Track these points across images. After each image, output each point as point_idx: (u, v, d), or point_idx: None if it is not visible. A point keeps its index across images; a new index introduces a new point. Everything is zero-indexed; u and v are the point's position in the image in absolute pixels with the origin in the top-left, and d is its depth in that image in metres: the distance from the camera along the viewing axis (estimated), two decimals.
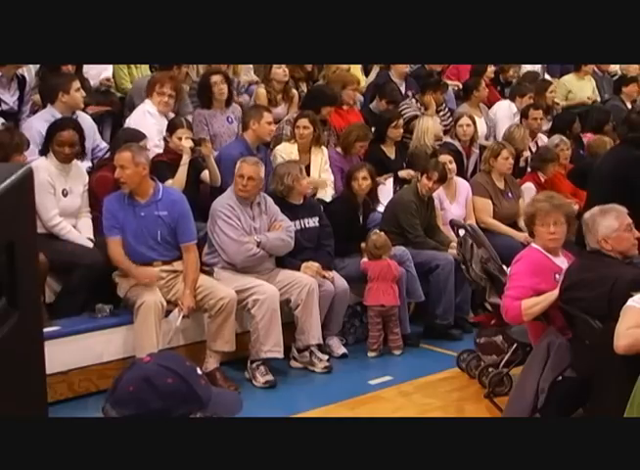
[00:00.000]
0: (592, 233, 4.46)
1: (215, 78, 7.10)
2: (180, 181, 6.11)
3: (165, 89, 6.67)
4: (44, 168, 5.61)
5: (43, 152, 5.80)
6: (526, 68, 10.23)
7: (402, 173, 7.52)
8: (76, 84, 6.30)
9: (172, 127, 6.36)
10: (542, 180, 7.81)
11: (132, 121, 6.62)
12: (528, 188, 7.67)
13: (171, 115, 6.81)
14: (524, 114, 8.63)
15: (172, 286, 5.67)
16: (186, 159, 6.17)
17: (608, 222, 4.43)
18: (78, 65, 6.80)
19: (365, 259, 6.41)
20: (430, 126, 7.83)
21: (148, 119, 6.60)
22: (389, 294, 6.28)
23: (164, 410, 1.92)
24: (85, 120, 6.48)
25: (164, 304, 5.47)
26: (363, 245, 6.51)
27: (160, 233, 5.66)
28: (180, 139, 6.25)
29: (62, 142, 5.75)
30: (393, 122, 7.55)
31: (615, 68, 10.92)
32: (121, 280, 5.64)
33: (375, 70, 9.12)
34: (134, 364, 2.00)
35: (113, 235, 5.59)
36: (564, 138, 8.32)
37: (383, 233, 6.46)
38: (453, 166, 7.27)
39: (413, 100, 8.49)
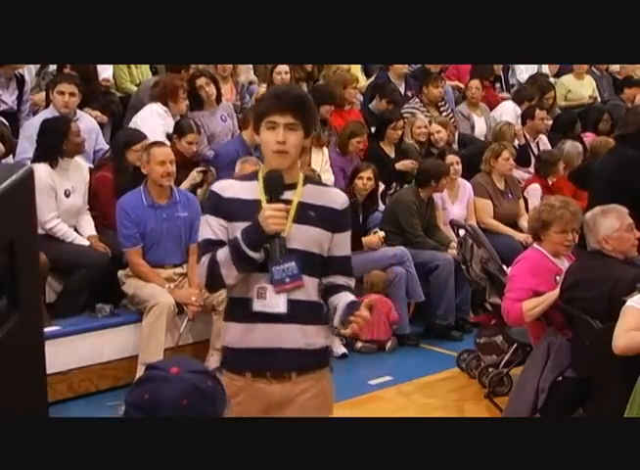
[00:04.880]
0: (593, 233, 4.46)
1: (200, 82, 7.12)
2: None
3: (181, 93, 6.81)
4: (45, 171, 5.60)
5: (40, 154, 5.77)
6: (520, 68, 10.28)
7: (399, 165, 7.53)
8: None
9: (182, 130, 6.38)
10: (550, 183, 7.79)
11: (139, 120, 6.61)
12: (535, 189, 7.65)
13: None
14: (529, 114, 8.59)
15: (181, 288, 5.67)
16: (187, 186, 6.18)
17: (609, 222, 4.42)
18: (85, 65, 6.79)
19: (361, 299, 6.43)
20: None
21: (156, 120, 6.60)
22: (382, 329, 6.35)
23: (216, 413, 1.94)
24: (88, 122, 6.49)
25: (176, 306, 5.47)
26: (364, 239, 6.57)
27: (181, 235, 5.65)
28: (190, 144, 6.29)
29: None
30: (393, 124, 7.56)
31: (615, 67, 10.91)
32: (129, 279, 5.64)
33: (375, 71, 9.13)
34: (167, 379, 1.92)
35: (134, 245, 5.55)
36: (578, 144, 8.29)
37: (380, 272, 6.47)
38: (459, 168, 7.27)
39: (416, 100, 8.50)
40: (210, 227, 2.97)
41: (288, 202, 2.94)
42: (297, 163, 3.04)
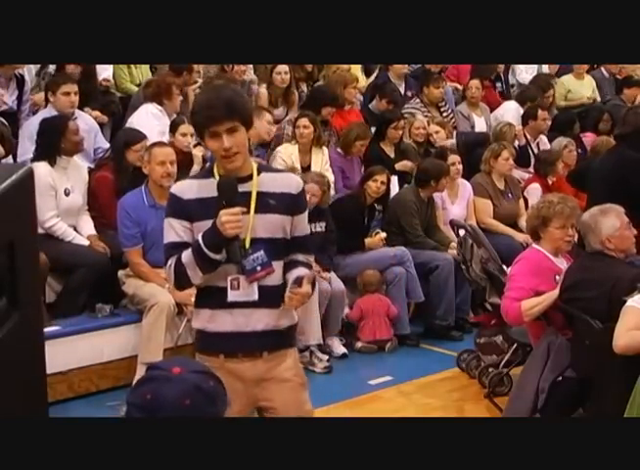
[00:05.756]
0: (595, 233, 4.45)
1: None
2: None
3: (175, 89, 6.84)
4: (45, 170, 5.60)
5: (39, 153, 5.77)
6: (520, 68, 10.27)
7: (399, 166, 7.54)
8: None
9: (175, 126, 6.41)
10: (549, 182, 7.79)
11: (135, 121, 6.62)
12: (535, 189, 7.65)
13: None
14: (531, 114, 8.57)
15: None
16: (196, 169, 6.16)
17: (611, 222, 4.43)
18: (88, 66, 6.79)
19: (358, 300, 6.46)
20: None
21: (151, 120, 6.61)
22: (383, 328, 6.36)
23: (217, 413, 1.94)
24: (87, 121, 6.49)
25: (175, 306, 5.46)
26: (367, 240, 6.57)
27: None
28: (184, 136, 6.29)
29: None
30: (394, 123, 7.56)
31: (615, 67, 10.89)
32: (129, 279, 5.64)
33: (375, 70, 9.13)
34: (169, 379, 1.92)
35: (134, 245, 5.55)
36: (569, 139, 8.30)
37: (374, 271, 6.46)
38: (460, 167, 7.27)
39: (417, 100, 8.49)
40: (174, 230, 3.08)
41: (246, 194, 3.04)
42: (247, 156, 3.14)
